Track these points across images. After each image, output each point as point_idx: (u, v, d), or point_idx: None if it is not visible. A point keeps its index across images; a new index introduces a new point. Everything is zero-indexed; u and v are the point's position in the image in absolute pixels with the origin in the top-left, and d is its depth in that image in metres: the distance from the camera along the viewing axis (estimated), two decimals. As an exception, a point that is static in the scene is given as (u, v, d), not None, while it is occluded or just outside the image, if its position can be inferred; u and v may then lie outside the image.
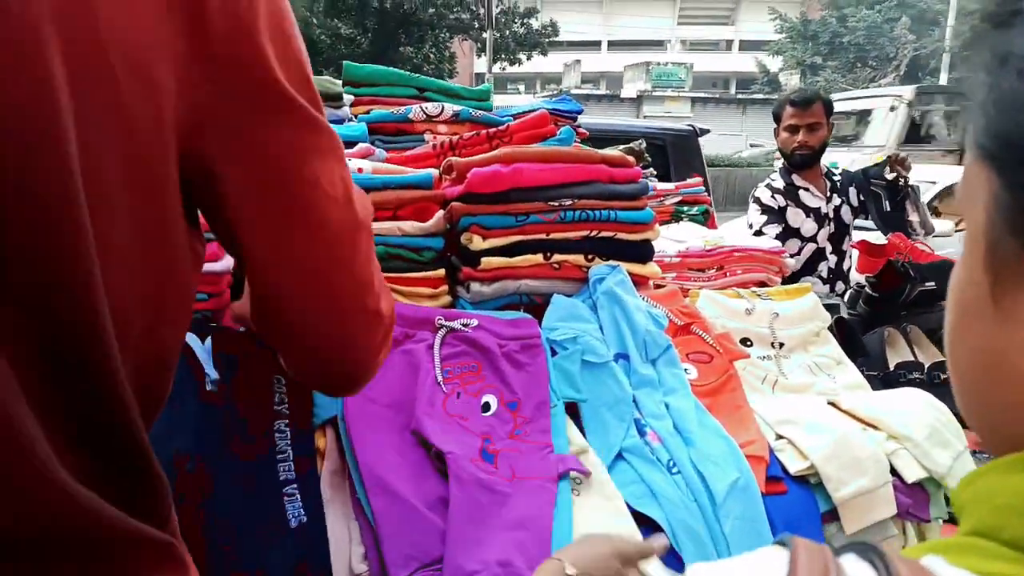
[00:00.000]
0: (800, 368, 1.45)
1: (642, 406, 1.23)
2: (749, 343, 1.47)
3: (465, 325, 1.25)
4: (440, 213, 1.40)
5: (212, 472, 1.05)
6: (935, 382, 1.88)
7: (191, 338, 1.20)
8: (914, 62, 26.07)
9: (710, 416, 1.24)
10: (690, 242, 1.68)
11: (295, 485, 1.08)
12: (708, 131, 5.82)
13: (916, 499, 1.23)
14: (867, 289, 2.31)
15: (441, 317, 1.25)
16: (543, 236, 1.39)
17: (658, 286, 1.53)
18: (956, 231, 5.88)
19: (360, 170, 1.39)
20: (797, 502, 1.17)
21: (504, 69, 21.03)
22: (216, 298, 1.25)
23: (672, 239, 1.70)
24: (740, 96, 26.77)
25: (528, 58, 19.93)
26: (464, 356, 1.24)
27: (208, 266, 1.22)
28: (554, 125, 1.69)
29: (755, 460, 1.17)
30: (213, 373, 1.18)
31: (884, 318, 2.15)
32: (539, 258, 1.38)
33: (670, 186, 2.12)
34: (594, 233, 1.41)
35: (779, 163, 2.98)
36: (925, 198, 6.60)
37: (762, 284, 1.67)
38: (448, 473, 1.05)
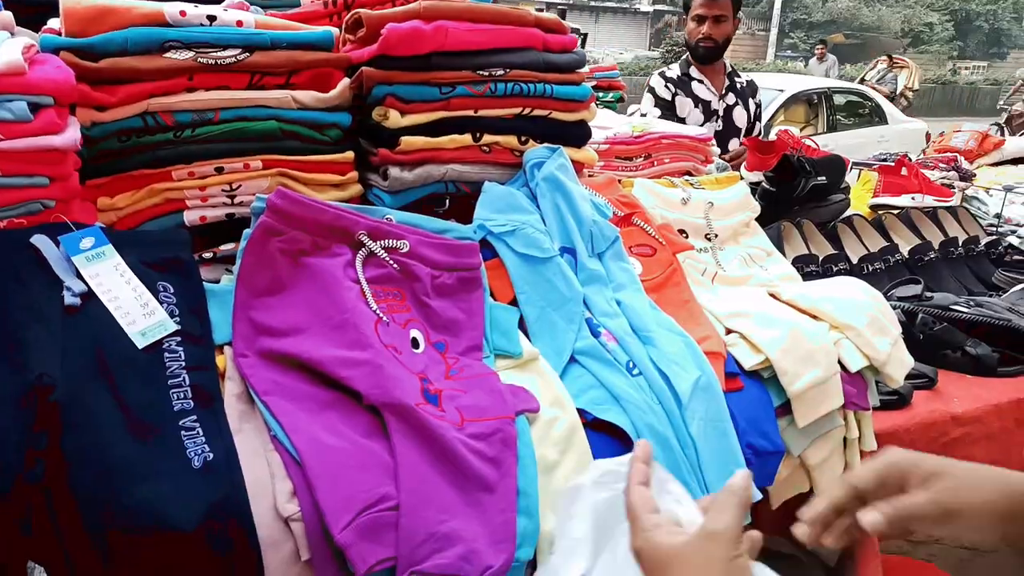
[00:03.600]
0: (735, 260, 1.38)
1: (592, 304, 1.11)
2: (685, 234, 1.37)
3: (392, 249, 1.01)
4: (345, 81, 1.15)
5: (83, 404, 0.81)
6: (829, 275, 1.92)
7: (43, 243, 0.92)
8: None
9: (663, 313, 1.14)
10: (616, 128, 1.54)
11: (194, 416, 0.86)
12: (586, 35, 5.71)
13: (858, 388, 1.21)
14: (764, 183, 2.32)
15: (364, 232, 1.00)
16: (471, 113, 1.19)
17: (589, 175, 1.39)
18: (800, 137, 6.21)
19: (240, 23, 1.11)
20: (754, 398, 1.11)
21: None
22: (60, 183, 0.96)
23: (596, 126, 1.55)
24: (593, 4, 26.61)
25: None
26: (388, 282, 1.01)
27: (44, 139, 0.92)
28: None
29: (713, 356, 1.09)
30: (76, 284, 0.91)
31: (779, 213, 2.16)
32: (467, 139, 1.19)
33: (583, 69, 1.95)
34: (527, 111, 1.23)
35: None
36: (773, 105, 6.91)
37: (688, 174, 1.57)
38: (387, 424, 0.86)
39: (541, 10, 1.38)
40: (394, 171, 1.14)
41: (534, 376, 1.00)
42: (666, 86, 2.71)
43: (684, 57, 2.80)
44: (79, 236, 0.95)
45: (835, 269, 1.99)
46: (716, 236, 1.40)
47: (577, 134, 1.29)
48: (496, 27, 1.17)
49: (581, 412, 0.98)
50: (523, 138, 1.23)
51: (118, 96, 1.03)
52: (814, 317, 1.24)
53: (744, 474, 0.59)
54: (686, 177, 1.48)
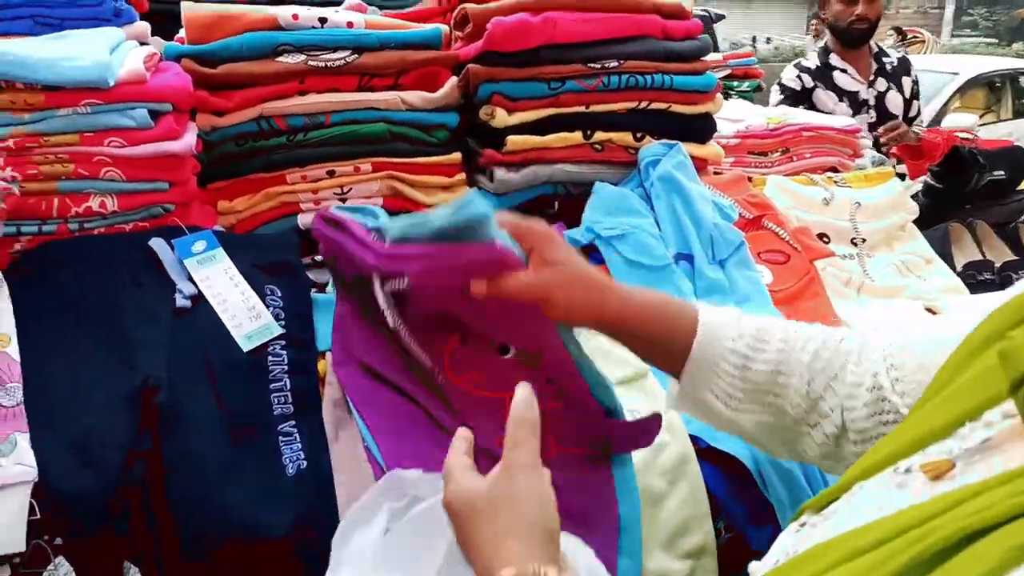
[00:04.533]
0: (887, 268, 1.22)
1: (711, 316, 1.00)
2: (827, 239, 1.23)
3: (399, 294, 0.76)
4: (453, 80, 1.12)
5: (186, 407, 0.83)
6: (1008, 284, 1.67)
7: (159, 246, 0.95)
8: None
9: (794, 328, 1.01)
10: (749, 120, 1.41)
11: (293, 422, 0.86)
12: (723, 17, 5.43)
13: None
14: (928, 179, 2.07)
15: (376, 275, 0.76)
16: (582, 109, 1.12)
17: (716, 173, 1.27)
18: (979, 125, 5.57)
19: (350, 24, 1.10)
20: (902, 430, 0.96)
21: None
22: (179, 187, 1.00)
23: (727, 118, 1.43)
24: (744, -14, 25.39)
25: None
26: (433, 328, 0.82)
27: (164, 145, 0.95)
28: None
29: (852, 380, 0.95)
30: (187, 287, 0.94)
31: (946, 212, 1.91)
32: (577, 136, 1.12)
33: (716, 56, 1.82)
34: (644, 104, 1.14)
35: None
36: (947, 90, 6.25)
37: (833, 170, 1.42)
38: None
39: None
40: (500, 172, 1.10)
41: (642, 395, 0.92)
42: (798, 77, 2.48)
43: (823, 44, 2.56)
44: (192, 240, 0.98)
45: (1015, 277, 1.73)
46: (863, 241, 1.24)
47: (700, 128, 1.19)
48: (610, 15, 1.09)
49: (694, 439, 0.89)
50: (639, 134, 1.14)
51: (234, 101, 1.06)
52: (982, 336, 1.06)
53: (523, 393, 0.60)
54: (829, 174, 1.33)
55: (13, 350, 0.82)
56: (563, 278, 0.69)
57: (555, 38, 1.06)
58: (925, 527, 0.32)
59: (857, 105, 2.51)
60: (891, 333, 0.65)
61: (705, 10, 5.25)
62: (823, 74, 2.51)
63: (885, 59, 2.55)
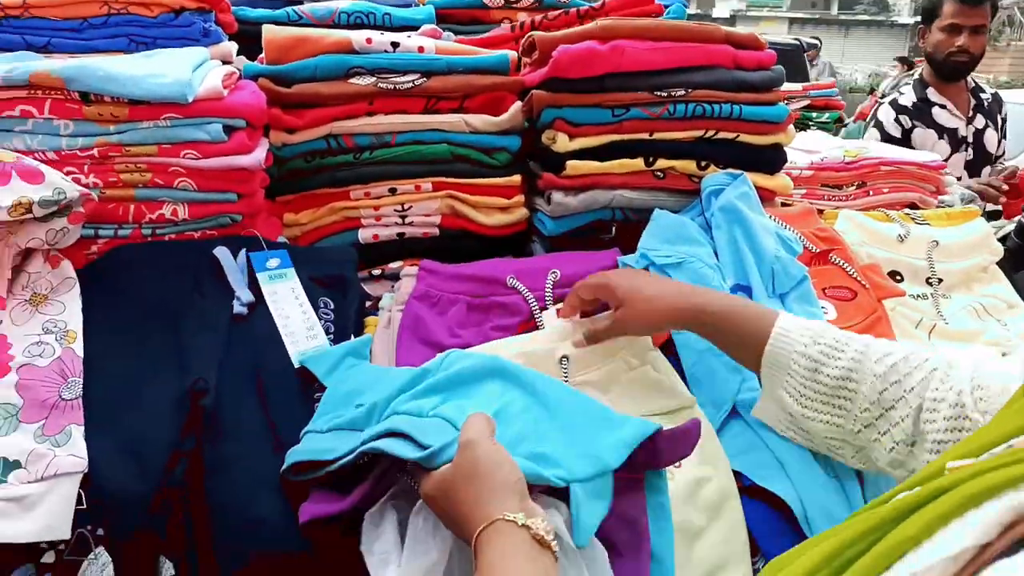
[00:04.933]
0: (963, 311, 1.15)
1: (767, 353, 0.96)
2: (900, 277, 1.17)
3: None
4: (517, 105, 1.13)
5: (231, 413, 0.85)
6: (1110, 335, 1.54)
7: (223, 254, 0.99)
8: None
9: (856, 369, 0.96)
10: (825, 152, 1.36)
11: (332, 434, 0.87)
12: (816, 45, 5.30)
13: None
14: (1022, 218, 1.95)
15: None
16: (645, 136, 1.11)
17: (785, 204, 1.23)
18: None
19: (421, 49, 1.13)
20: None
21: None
22: (247, 199, 1.04)
23: (801, 149, 1.39)
24: (843, 17, 24.65)
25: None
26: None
27: (234, 159, 1.00)
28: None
29: (917, 429, 0.90)
30: (246, 294, 0.97)
31: (1043, 255, 1.79)
32: (639, 163, 1.11)
33: (796, 87, 1.78)
34: (711, 133, 1.12)
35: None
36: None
37: (913, 206, 1.35)
38: None
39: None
40: (557, 196, 1.10)
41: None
42: (897, 119, 2.34)
43: (917, 77, 2.42)
44: (267, 255, 1.01)
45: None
46: (940, 281, 1.17)
47: (770, 159, 1.15)
48: (679, 45, 1.07)
49: (738, 475, 0.86)
50: (703, 163, 1.12)
51: (305, 119, 1.10)
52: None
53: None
54: (907, 210, 1.26)
55: (78, 346, 0.86)
56: (633, 311, 0.86)
57: (622, 66, 1.05)
58: (915, 491, 0.39)
59: (956, 143, 2.37)
60: (985, 363, 0.71)
61: (796, 39, 5.14)
62: (921, 111, 2.36)
63: (982, 95, 2.41)
